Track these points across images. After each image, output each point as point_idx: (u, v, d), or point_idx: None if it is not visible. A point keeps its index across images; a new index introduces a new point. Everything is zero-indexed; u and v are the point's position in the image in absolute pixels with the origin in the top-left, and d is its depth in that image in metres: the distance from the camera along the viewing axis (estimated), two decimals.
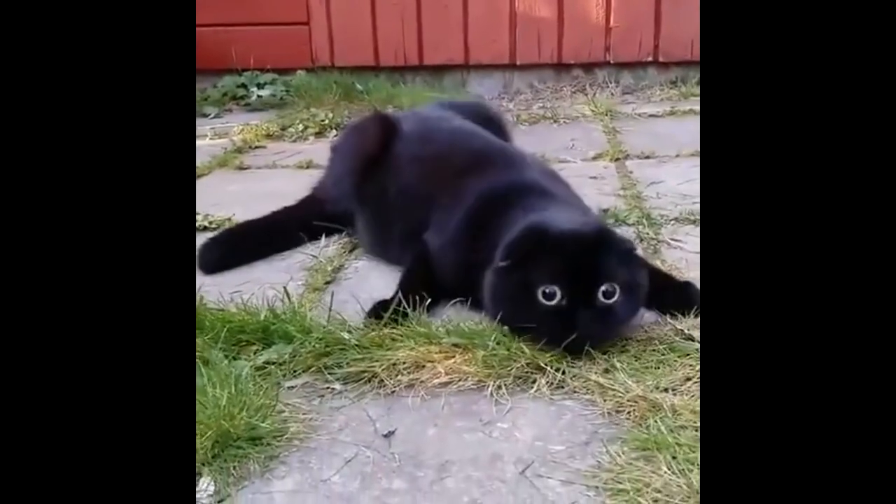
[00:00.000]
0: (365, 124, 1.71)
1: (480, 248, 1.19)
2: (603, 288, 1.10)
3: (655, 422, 0.99)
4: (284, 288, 1.31)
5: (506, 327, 1.17)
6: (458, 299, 1.27)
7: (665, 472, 0.90)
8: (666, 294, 1.27)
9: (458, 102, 1.99)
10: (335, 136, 2.67)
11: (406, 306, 1.22)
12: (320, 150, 2.41)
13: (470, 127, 1.62)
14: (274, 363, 1.15)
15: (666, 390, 1.06)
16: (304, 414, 1.06)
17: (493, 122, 1.76)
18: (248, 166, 2.36)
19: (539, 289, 1.11)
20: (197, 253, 1.54)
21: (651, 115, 2.74)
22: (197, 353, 1.13)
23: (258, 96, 3.15)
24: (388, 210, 1.49)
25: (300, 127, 2.72)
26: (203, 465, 0.95)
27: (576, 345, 1.11)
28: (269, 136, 2.67)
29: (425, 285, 1.28)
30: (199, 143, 2.60)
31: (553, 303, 1.11)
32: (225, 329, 1.18)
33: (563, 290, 1.10)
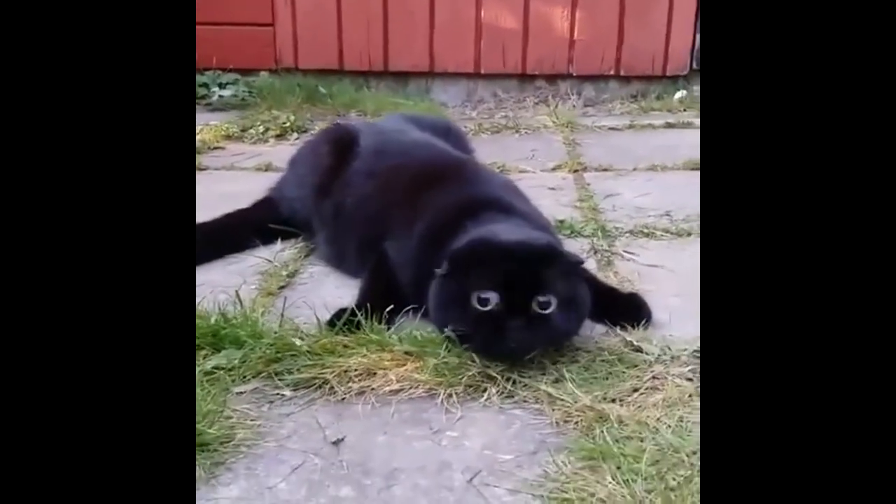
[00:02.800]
0: (322, 140, 1.70)
1: (438, 261, 1.19)
2: (539, 298, 1.11)
3: (602, 432, 1.00)
4: (236, 292, 1.30)
5: (450, 336, 1.17)
6: (411, 307, 1.27)
7: (609, 483, 0.92)
8: (615, 306, 1.29)
9: (420, 116, 1.99)
10: (296, 139, 2.66)
11: (365, 315, 1.22)
12: (280, 153, 2.40)
13: (428, 140, 1.62)
14: (223, 368, 1.14)
15: (613, 401, 1.08)
16: (252, 420, 1.06)
17: (453, 136, 1.77)
18: (206, 167, 2.33)
19: (475, 294, 1.12)
20: None
21: (611, 129, 2.78)
22: None
23: (220, 96, 3.11)
24: (345, 223, 1.49)
25: (261, 129, 2.70)
26: None
27: (505, 351, 1.13)
28: (228, 138, 2.64)
29: (385, 294, 1.28)
30: None
31: (487, 308, 1.12)
32: None
33: (499, 297, 1.11)
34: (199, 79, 3.19)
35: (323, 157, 1.60)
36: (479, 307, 1.12)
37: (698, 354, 1.15)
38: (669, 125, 2.79)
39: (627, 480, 0.92)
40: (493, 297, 1.11)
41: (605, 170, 2.26)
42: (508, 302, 1.11)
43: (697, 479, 0.89)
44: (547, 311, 1.12)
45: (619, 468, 0.94)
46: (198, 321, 1.21)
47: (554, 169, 2.28)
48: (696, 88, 3.21)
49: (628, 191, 2.05)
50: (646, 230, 1.74)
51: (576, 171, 2.25)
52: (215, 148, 2.55)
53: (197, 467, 0.96)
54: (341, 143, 1.60)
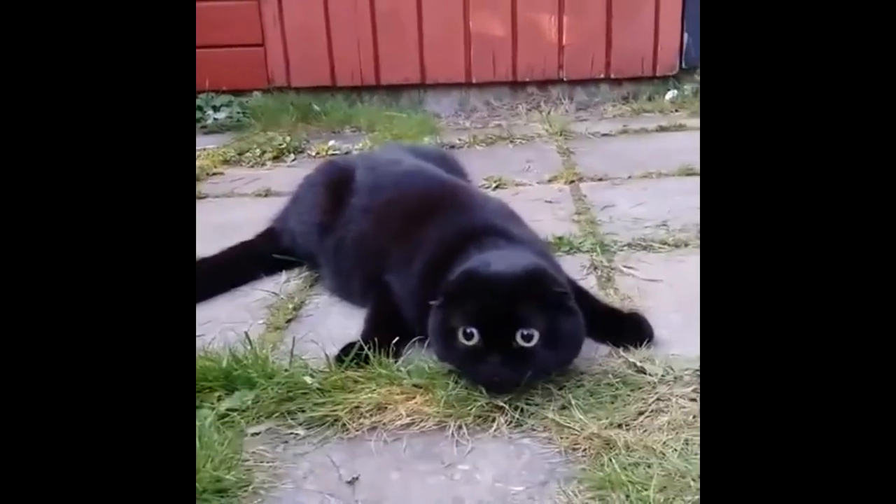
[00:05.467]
0: (319, 181, 1.71)
1: (436, 293, 1.21)
2: (523, 331, 1.12)
3: (610, 460, 1.03)
4: (246, 333, 1.32)
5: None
6: (417, 338, 1.30)
7: None
8: (616, 327, 1.32)
9: (415, 146, 2.03)
10: (293, 160, 2.68)
11: (372, 348, 1.24)
12: (278, 175, 2.44)
13: (421, 168, 1.65)
14: (237, 410, 1.16)
15: (619, 426, 1.10)
16: (268, 462, 1.08)
17: (448, 163, 1.80)
18: (205, 195, 2.35)
19: (460, 329, 1.14)
20: None
21: (604, 135, 2.79)
22: None
23: (214, 119, 3.13)
24: (347, 259, 1.52)
25: (257, 151, 2.72)
26: None
27: (489, 386, 1.15)
28: (226, 162, 2.66)
29: (390, 326, 1.30)
30: None
31: (471, 343, 1.14)
32: None
33: (479, 332, 1.13)
34: None
35: (320, 196, 1.63)
36: (464, 342, 1.14)
37: (700, 374, 1.17)
38: (662, 128, 2.82)
39: None
40: (476, 333, 1.13)
41: (601, 179, 2.28)
42: (490, 337, 1.13)
43: None
44: (530, 345, 1.13)
45: (627, 496, 0.96)
46: (209, 363, 1.23)
47: (550, 181, 2.30)
48: (687, 88, 3.24)
49: (625, 200, 2.07)
50: (643, 242, 1.76)
51: (572, 181, 2.27)
52: (214, 174, 2.57)
53: None
54: (337, 182, 1.62)
